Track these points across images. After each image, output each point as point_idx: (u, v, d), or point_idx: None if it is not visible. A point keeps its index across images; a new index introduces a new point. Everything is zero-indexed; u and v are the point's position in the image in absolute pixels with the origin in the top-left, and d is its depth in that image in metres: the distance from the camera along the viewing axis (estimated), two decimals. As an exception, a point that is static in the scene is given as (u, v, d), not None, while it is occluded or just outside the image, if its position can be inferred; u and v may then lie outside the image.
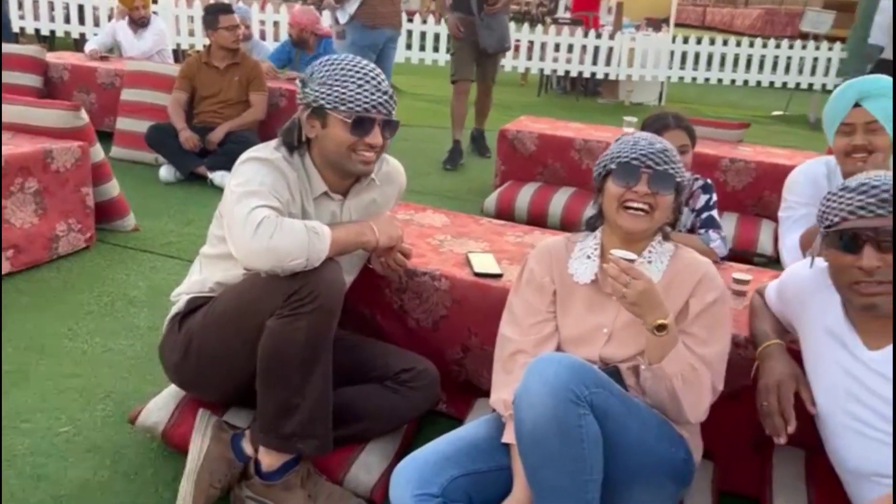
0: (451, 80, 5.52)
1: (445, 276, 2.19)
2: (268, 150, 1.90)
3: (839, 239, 1.49)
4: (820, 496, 1.80)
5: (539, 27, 9.20)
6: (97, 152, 3.48)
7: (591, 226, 1.84)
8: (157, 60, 5.98)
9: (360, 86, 1.81)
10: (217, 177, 4.55)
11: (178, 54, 8.29)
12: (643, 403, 1.65)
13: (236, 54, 4.78)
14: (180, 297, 2.05)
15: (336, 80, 1.82)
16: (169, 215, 4.02)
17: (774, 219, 3.80)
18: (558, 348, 1.78)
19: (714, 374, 1.68)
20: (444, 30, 9.03)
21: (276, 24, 8.60)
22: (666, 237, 1.78)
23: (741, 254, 3.64)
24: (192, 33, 8.63)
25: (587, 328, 1.75)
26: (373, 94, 1.82)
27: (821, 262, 1.67)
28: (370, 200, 2.05)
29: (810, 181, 2.40)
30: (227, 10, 4.76)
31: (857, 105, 2.17)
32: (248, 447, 1.88)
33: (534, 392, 1.49)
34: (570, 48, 8.98)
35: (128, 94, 5.09)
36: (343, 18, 5.04)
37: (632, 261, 1.58)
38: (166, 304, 3.00)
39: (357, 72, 1.83)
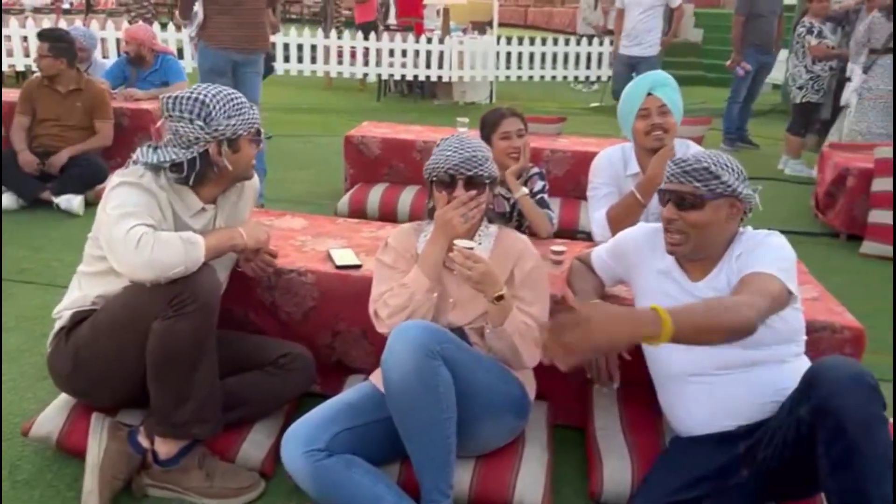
0: None
1: (310, 272, 2.47)
2: (134, 175, 2.09)
3: (660, 197, 2.01)
4: (630, 413, 2.30)
5: (372, 35, 9.56)
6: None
7: (432, 215, 2.20)
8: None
9: (246, 110, 2.13)
10: (63, 201, 4.51)
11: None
12: (484, 355, 2.04)
13: (80, 79, 4.72)
14: (62, 313, 2.18)
15: (235, 111, 2.09)
16: (18, 243, 3.98)
17: (589, 199, 4.40)
18: None
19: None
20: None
21: (103, 40, 8.39)
22: (491, 221, 2.18)
23: (565, 232, 4.16)
24: (27, 54, 8.28)
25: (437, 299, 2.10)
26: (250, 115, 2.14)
27: (648, 225, 2.22)
28: (234, 201, 2.30)
29: (610, 164, 2.90)
30: (49, 36, 4.68)
31: (649, 94, 2.69)
32: (143, 440, 2.07)
33: (398, 351, 1.82)
34: (404, 53, 9.42)
35: (-50, 121, 4.88)
36: (192, 34, 4.74)
37: (471, 248, 1.95)
38: (32, 327, 3.07)
39: (232, 98, 2.11)
